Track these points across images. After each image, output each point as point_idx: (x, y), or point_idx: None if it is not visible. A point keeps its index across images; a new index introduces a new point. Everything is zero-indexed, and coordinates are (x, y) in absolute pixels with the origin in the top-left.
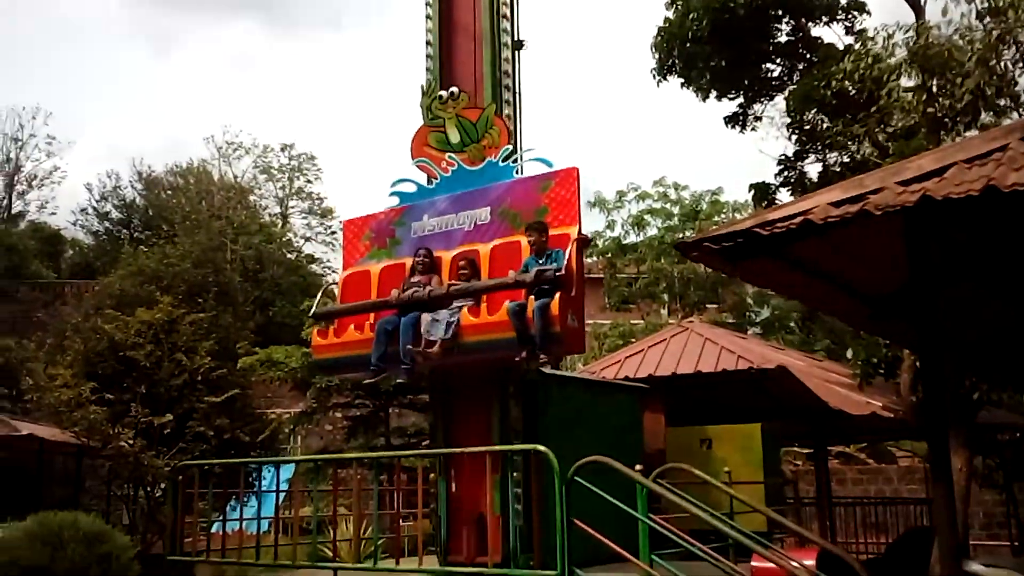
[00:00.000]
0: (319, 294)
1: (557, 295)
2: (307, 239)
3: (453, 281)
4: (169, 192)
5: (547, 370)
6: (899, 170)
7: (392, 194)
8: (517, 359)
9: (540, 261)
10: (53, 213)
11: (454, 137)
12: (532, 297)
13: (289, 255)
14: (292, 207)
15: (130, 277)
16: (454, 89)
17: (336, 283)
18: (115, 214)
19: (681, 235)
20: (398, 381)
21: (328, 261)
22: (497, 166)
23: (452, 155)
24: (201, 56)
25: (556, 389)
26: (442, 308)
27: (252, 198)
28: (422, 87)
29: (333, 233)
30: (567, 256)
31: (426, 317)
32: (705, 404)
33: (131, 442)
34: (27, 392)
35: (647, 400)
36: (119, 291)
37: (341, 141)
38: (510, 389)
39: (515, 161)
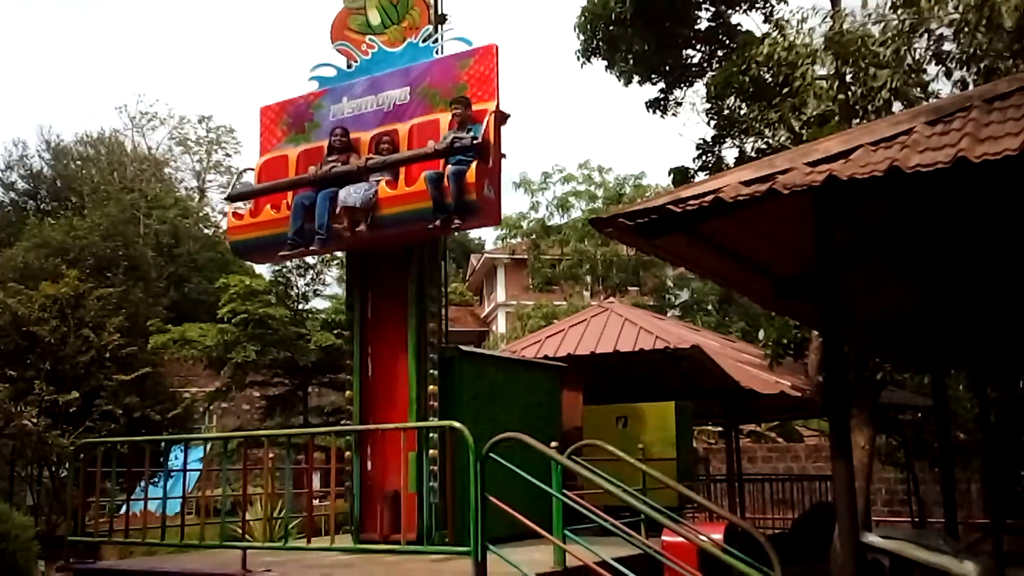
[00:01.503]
0: (234, 179)
1: (474, 164)
2: (225, 214)
3: (371, 155)
4: (79, 163)
5: (466, 348)
6: (808, 151)
7: (312, 79)
8: (431, 227)
9: (460, 135)
10: None
11: (374, 19)
12: (449, 166)
13: (206, 230)
14: (210, 181)
15: (35, 249)
16: None
17: (252, 168)
18: (21, 184)
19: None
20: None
21: None
22: (417, 47)
23: (372, 37)
24: (116, 18)
25: (473, 366)
26: (360, 183)
27: (167, 171)
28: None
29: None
30: (484, 127)
31: (344, 191)
32: (622, 383)
33: (35, 420)
34: None
35: (565, 378)
36: (23, 264)
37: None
38: (425, 262)
39: (435, 42)
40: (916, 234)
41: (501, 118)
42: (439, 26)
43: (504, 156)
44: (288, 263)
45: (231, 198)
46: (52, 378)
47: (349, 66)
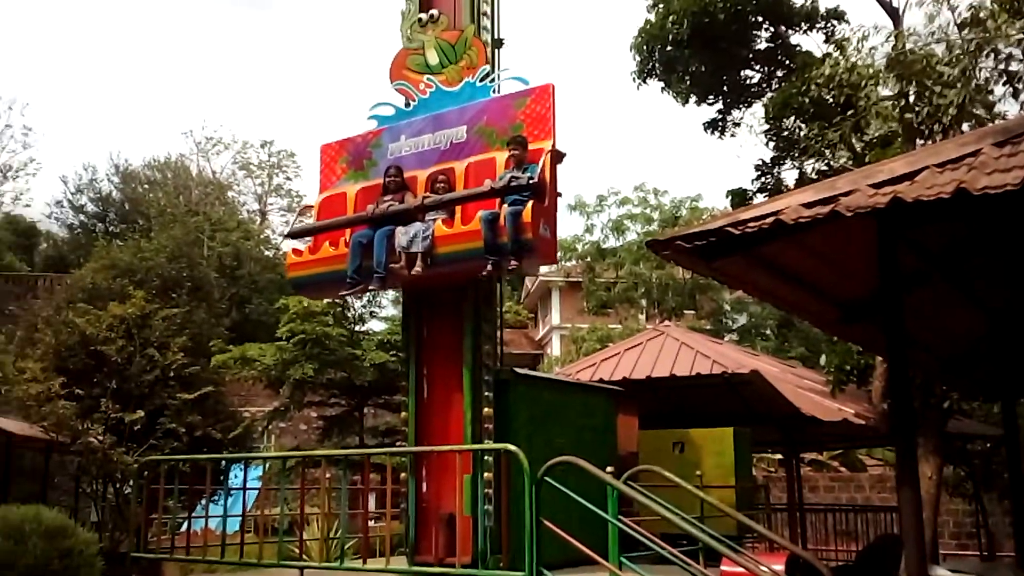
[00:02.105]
0: (295, 215)
1: (530, 203)
2: (285, 236)
3: (427, 194)
4: (146, 186)
5: (521, 371)
6: (871, 173)
7: (371, 118)
8: (484, 272)
9: (517, 175)
10: (28, 205)
11: (432, 59)
12: (506, 206)
13: (267, 252)
14: (271, 204)
15: (103, 271)
16: (434, 12)
17: (311, 205)
18: (90, 207)
19: None
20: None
21: None
22: (474, 86)
23: (430, 77)
24: (181, 44)
25: (528, 389)
26: (416, 222)
27: (230, 194)
28: (402, 11)
29: None
30: (540, 167)
31: (400, 230)
32: (679, 407)
33: (100, 438)
34: None
35: (621, 402)
36: (91, 285)
37: (322, 134)
38: (481, 289)
39: (492, 81)
40: (983, 257)
41: (557, 157)
42: (496, 57)
43: (560, 195)
44: None
45: (291, 235)
46: (118, 396)
47: (407, 105)
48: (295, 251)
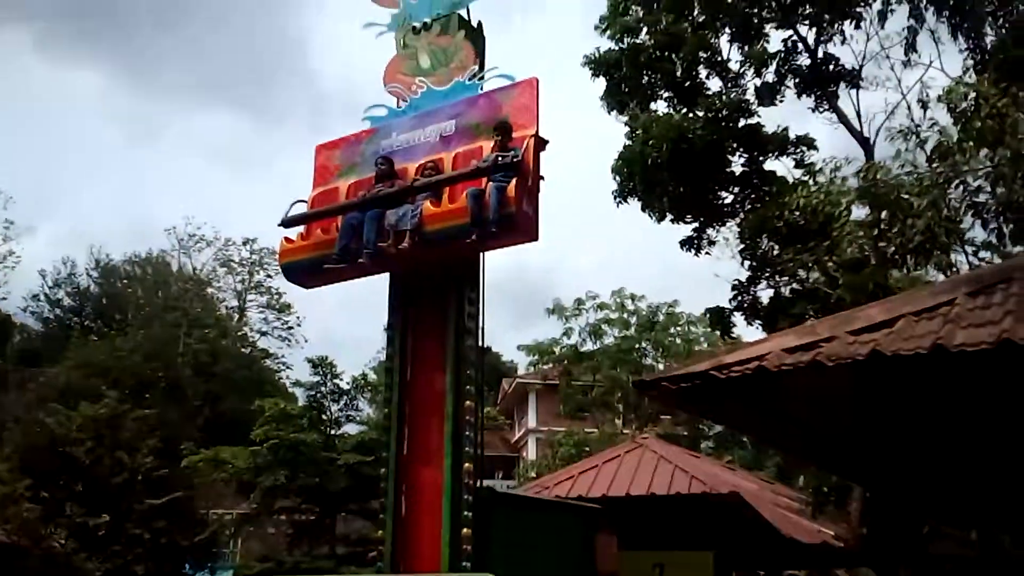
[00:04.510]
0: (288, 207)
1: (514, 179)
2: (263, 333)
3: (417, 177)
4: (125, 281)
5: (500, 489)
6: (850, 319)
7: (365, 119)
8: (468, 240)
9: (503, 154)
10: (4, 298)
11: (424, 63)
12: (491, 183)
13: (244, 349)
14: (250, 301)
15: (77, 369)
16: (427, 19)
17: (304, 200)
18: (67, 301)
19: (638, 345)
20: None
21: (283, 356)
22: (464, 84)
23: (422, 79)
24: (178, 146)
25: (507, 510)
26: (406, 204)
27: (210, 290)
28: (394, 15)
29: (290, 328)
30: (524, 149)
31: (391, 212)
32: (658, 527)
33: (63, 542)
34: None
35: (600, 522)
36: (64, 384)
37: None
38: (466, 290)
39: (481, 79)
40: (958, 400)
41: (540, 143)
42: (484, 57)
43: (543, 178)
44: (323, 388)
45: (284, 223)
46: (84, 499)
47: (399, 106)
48: (286, 239)
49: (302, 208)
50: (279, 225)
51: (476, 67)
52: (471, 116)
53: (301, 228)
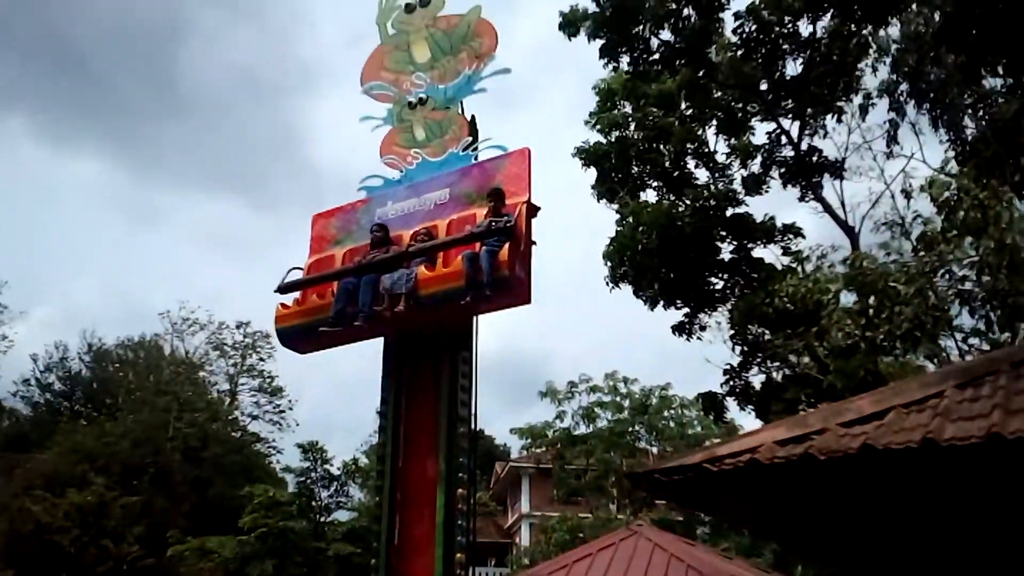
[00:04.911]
0: (284, 274)
1: (507, 244)
2: (254, 417)
3: (412, 243)
4: (117, 365)
5: None
6: (840, 410)
7: (360, 189)
8: (463, 303)
9: (496, 219)
10: None
11: (420, 135)
12: (484, 247)
13: (234, 433)
14: (242, 384)
15: (65, 454)
16: (423, 95)
17: (300, 268)
18: (58, 386)
19: (631, 428)
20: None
21: (274, 441)
22: (458, 155)
23: (417, 150)
24: (174, 231)
25: None
26: (401, 269)
27: (202, 374)
28: (394, 96)
29: (281, 412)
30: (516, 215)
31: (386, 277)
32: None
33: None
34: None
35: None
36: (52, 469)
37: None
38: (460, 354)
39: (474, 150)
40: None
41: (532, 210)
42: (477, 129)
43: (535, 243)
44: (313, 473)
45: (280, 289)
46: None
47: (395, 176)
48: (282, 305)
49: (298, 275)
50: (275, 291)
51: (470, 139)
52: (465, 185)
53: (297, 294)
